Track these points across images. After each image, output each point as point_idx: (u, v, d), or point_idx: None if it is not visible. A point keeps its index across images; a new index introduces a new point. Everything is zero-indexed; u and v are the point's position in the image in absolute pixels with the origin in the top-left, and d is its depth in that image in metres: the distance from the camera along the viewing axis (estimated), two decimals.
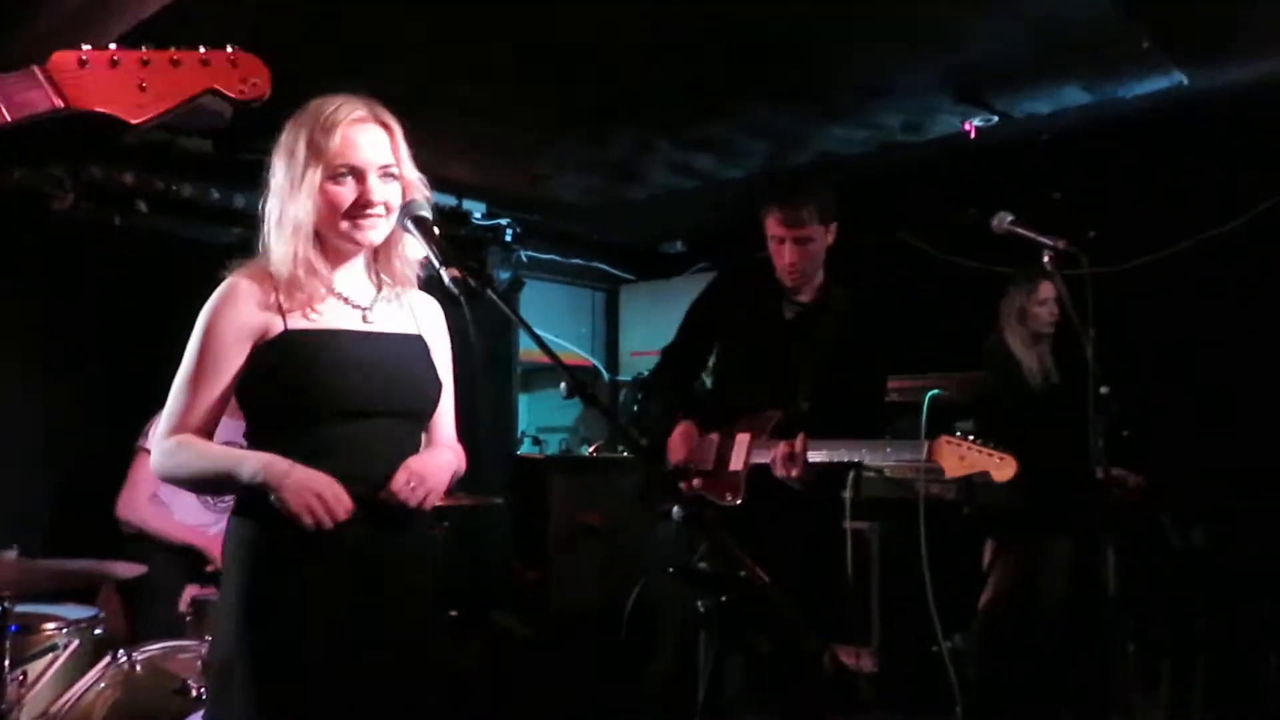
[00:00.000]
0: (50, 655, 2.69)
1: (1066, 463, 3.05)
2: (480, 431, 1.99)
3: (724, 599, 1.49)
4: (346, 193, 1.72)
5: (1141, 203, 3.89)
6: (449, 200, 5.00)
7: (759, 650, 2.35)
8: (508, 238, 5.29)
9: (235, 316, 1.76)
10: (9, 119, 0.99)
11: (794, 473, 2.47)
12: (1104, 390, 2.73)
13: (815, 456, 2.47)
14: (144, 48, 1.09)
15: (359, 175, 1.72)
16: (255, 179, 1.83)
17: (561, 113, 3.95)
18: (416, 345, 1.87)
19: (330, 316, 1.78)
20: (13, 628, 2.49)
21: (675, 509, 1.38)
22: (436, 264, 1.67)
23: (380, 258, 1.85)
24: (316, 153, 1.70)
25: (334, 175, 1.72)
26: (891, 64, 3.46)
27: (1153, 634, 3.44)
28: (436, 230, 1.72)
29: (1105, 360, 2.77)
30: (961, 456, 2.44)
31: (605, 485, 5.14)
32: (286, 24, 3.02)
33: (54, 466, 3.87)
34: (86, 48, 1.05)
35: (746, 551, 1.34)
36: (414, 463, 1.75)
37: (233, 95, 1.11)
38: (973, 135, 3.96)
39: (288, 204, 1.72)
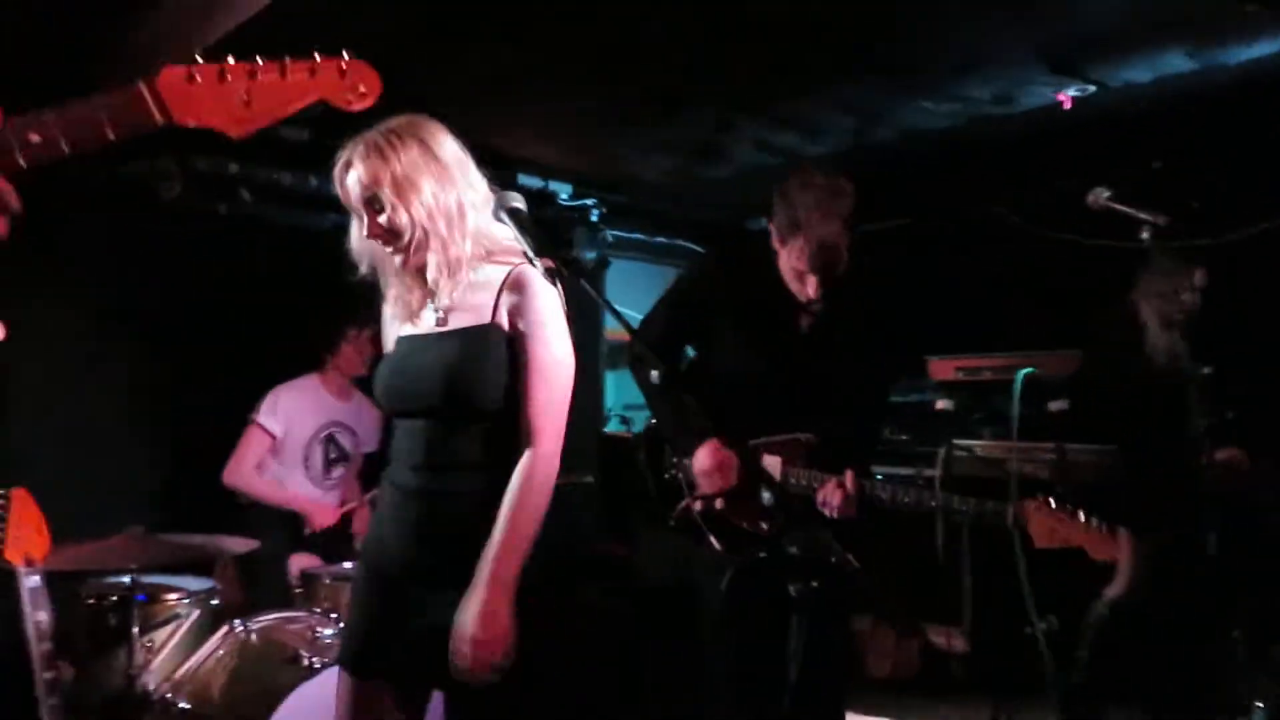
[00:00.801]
0: (173, 624, 2.87)
1: (1180, 447, 2.96)
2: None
3: (815, 584, 1.51)
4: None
5: (1248, 172, 3.74)
6: (535, 182, 5.05)
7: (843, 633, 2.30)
8: (594, 218, 5.33)
9: (386, 332, 2.03)
10: (113, 137, 1.02)
11: (850, 513, 2.28)
12: (1205, 370, 2.65)
13: (878, 496, 2.30)
14: (257, 59, 1.08)
15: (358, 217, 1.89)
16: None
17: (645, 93, 3.97)
18: (463, 340, 1.85)
19: (417, 325, 1.94)
20: (140, 597, 2.67)
21: (766, 495, 1.41)
22: (530, 254, 1.72)
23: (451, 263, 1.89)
24: None
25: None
26: (981, 34, 3.38)
27: (1261, 618, 3.33)
28: (528, 220, 1.78)
29: (1209, 336, 2.68)
30: (1053, 528, 2.17)
31: None
32: (380, 14, 3.11)
33: (174, 446, 4.08)
34: (198, 61, 1.05)
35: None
36: (463, 643, 1.71)
37: (340, 105, 1.10)
38: (1067, 106, 3.84)
39: None
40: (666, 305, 2.74)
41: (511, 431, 1.85)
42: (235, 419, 3.68)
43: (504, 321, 1.86)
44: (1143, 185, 2.88)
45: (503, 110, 4.07)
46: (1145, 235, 2.73)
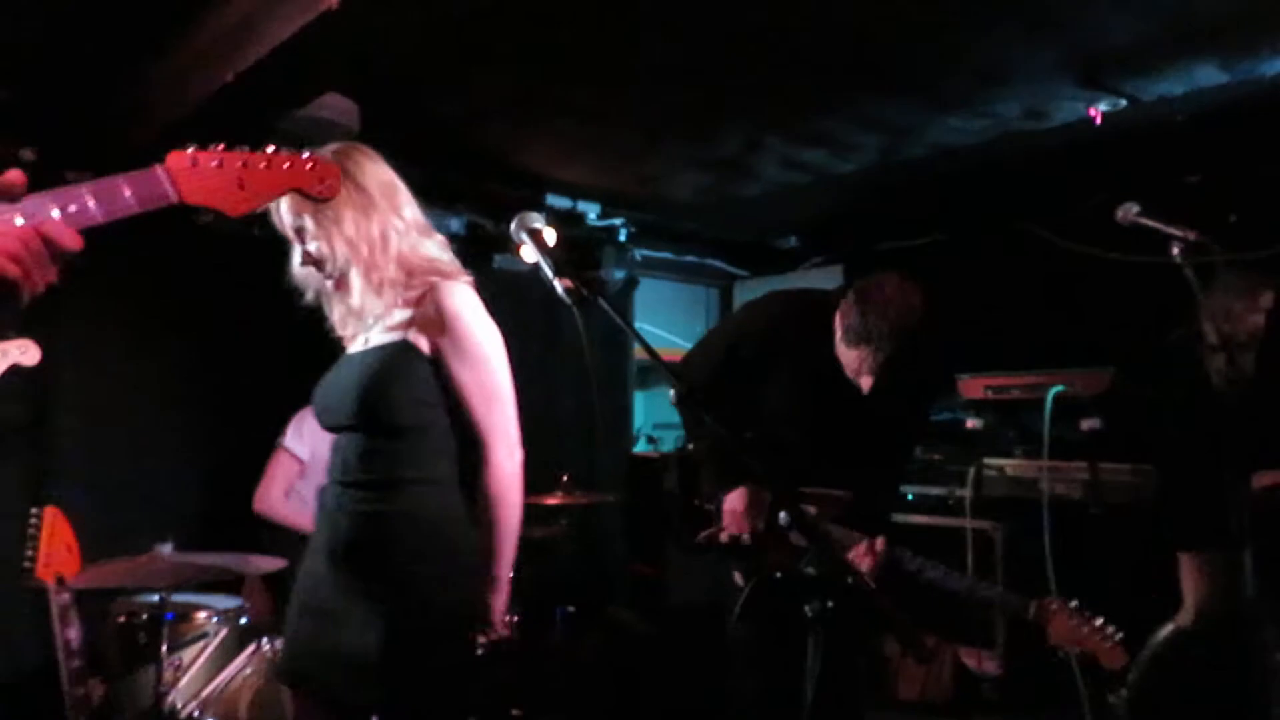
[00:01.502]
0: (202, 642, 2.90)
1: (1233, 469, 2.88)
2: (596, 431, 2.01)
3: (831, 604, 1.49)
4: None
5: None
6: (564, 202, 5.07)
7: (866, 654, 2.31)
8: (622, 237, 5.35)
9: None
10: (139, 210, 1.18)
11: (876, 576, 2.30)
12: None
13: (906, 567, 2.35)
14: (243, 150, 1.27)
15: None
16: None
17: (672, 112, 3.98)
18: (375, 358, 1.89)
19: (355, 345, 1.99)
20: (169, 615, 2.70)
21: (782, 514, 1.40)
22: (549, 274, 1.72)
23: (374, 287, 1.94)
24: None
25: None
26: (1010, 49, 3.35)
27: None
28: (551, 241, 1.78)
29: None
30: (1070, 631, 2.23)
31: None
32: (408, 34, 3.14)
33: (203, 465, 4.12)
34: (192, 149, 1.23)
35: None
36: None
37: (312, 194, 1.30)
38: (1099, 121, 3.80)
39: None
40: (716, 351, 2.71)
41: (437, 451, 1.89)
42: (267, 439, 3.72)
43: (418, 339, 1.88)
44: (1178, 200, 2.83)
45: (531, 130, 4.09)
46: (1176, 251, 2.68)
